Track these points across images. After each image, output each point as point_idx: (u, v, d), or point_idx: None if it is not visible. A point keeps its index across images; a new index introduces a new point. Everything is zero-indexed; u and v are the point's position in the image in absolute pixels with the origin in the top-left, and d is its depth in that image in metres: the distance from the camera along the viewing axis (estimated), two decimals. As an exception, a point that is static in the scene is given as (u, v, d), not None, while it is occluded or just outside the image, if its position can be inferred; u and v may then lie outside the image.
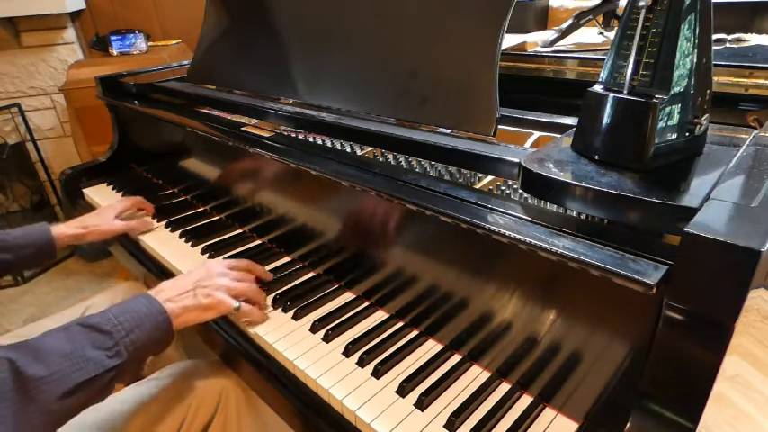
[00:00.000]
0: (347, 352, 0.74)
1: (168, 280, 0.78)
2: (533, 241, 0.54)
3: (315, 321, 0.79)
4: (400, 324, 0.79)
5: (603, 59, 0.59)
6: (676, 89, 0.53)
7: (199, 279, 0.77)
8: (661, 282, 0.46)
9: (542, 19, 1.48)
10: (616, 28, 0.58)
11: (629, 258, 0.49)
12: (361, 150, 0.87)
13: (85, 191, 1.40)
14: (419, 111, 0.82)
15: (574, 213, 0.58)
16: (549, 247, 0.53)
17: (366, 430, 0.64)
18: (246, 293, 0.81)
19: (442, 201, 0.66)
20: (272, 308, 0.85)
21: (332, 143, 0.91)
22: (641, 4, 0.53)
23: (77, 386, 0.59)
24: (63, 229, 1.05)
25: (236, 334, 0.84)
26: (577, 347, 0.59)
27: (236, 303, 0.77)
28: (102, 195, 1.37)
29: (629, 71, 0.55)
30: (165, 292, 0.74)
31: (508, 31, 0.74)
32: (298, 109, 1.00)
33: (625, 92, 0.55)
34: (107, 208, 1.15)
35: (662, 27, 0.53)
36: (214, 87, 1.23)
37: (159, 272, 1.04)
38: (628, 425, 0.49)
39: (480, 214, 0.61)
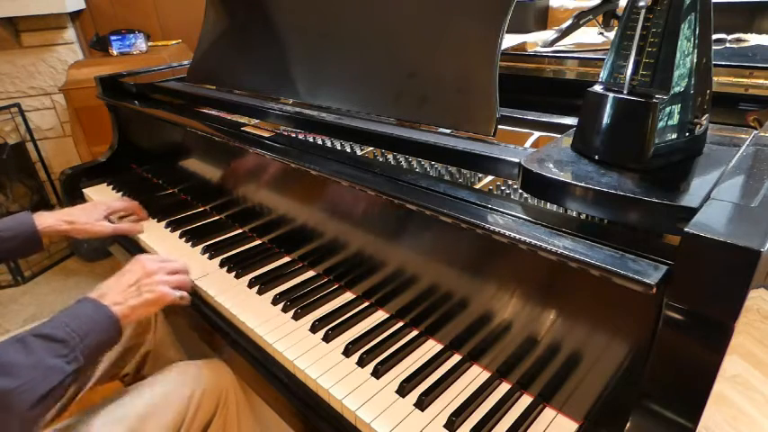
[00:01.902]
0: (347, 352, 0.74)
1: (108, 281, 0.80)
2: (533, 241, 0.54)
3: (315, 321, 0.79)
4: (400, 324, 0.79)
5: (603, 59, 0.59)
6: (676, 89, 0.53)
7: (139, 277, 0.81)
8: (661, 282, 0.46)
9: (542, 19, 1.48)
10: (616, 28, 0.58)
11: (629, 258, 0.49)
12: (361, 150, 0.87)
13: (85, 191, 1.40)
14: (419, 111, 0.82)
15: (574, 213, 0.58)
16: (549, 247, 0.53)
17: (366, 430, 0.64)
18: (183, 285, 0.86)
19: (441, 201, 0.66)
20: (271, 306, 0.85)
21: (332, 143, 0.91)
22: (641, 4, 0.53)
23: (46, 393, 0.63)
24: (48, 221, 1.02)
25: (236, 334, 0.84)
26: (577, 347, 0.59)
27: (177, 293, 0.83)
28: (102, 195, 1.37)
29: (629, 71, 0.55)
30: (110, 296, 0.76)
31: (508, 31, 0.74)
32: (298, 109, 1.00)
33: (625, 92, 0.55)
34: (99, 204, 1.13)
35: (662, 27, 0.53)
36: (214, 87, 1.23)
37: (159, 272, 1.04)
38: (628, 425, 0.49)
39: (480, 214, 0.61)
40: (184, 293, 0.84)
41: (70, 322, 0.69)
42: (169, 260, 0.88)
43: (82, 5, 2.31)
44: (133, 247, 1.14)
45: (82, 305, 0.73)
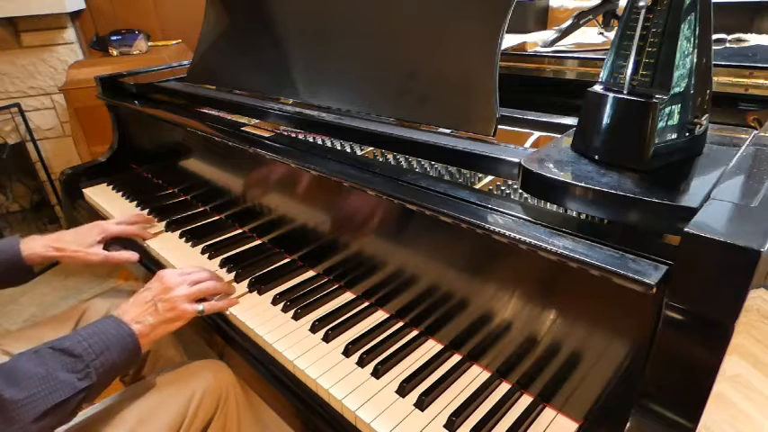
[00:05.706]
0: (347, 352, 0.74)
1: (130, 299, 0.79)
2: (533, 241, 0.54)
3: (315, 321, 0.79)
4: (400, 324, 0.79)
5: (603, 59, 0.59)
6: (676, 89, 0.53)
7: (157, 294, 0.79)
8: (661, 282, 0.46)
9: (542, 19, 1.48)
10: (616, 28, 0.58)
11: (629, 258, 0.49)
12: (361, 150, 0.87)
13: (85, 191, 1.40)
14: (419, 111, 0.82)
15: (574, 213, 0.58)
16: (549, 247, 0.53)
17: (366, 430, 0.64)
18: (207, 293, 0.84)
19: (441, 201, 0.66)
20: (271, 306, 0.85)
21: (332, 143, 0.91)
22: (641, 4, 0.53)
23: (52, 408, 0.62)
24: (36, 248, 0.95)
25: (236, 334, 0.84)
26: (577, 347, 0.59)
27: (199, 307, 0.81)
28: (102, 195, 1.37)
29: (629, 71, 0.55)
30: (129, 313, 0.76)
31: (508, 31, 0.74)
32: (298, 109, 1.00)
33: (625, 92, 0.55)
34: (94, 228, 1.05)
35: (662, 27, 0.53)
36: (214, 87, 1.23)
37: (159, 272, 1.04)
38: (628, 425, 0.49)
39: (480, 214, 0.61)
40: (204, 306, 0.81)
41: (88, 338, 0.68)
42: (191, 271, 0.85)
43: (82, 5, 2.31)
44: (134, 247, 1.14)
45: (103, 322, 0.72)
